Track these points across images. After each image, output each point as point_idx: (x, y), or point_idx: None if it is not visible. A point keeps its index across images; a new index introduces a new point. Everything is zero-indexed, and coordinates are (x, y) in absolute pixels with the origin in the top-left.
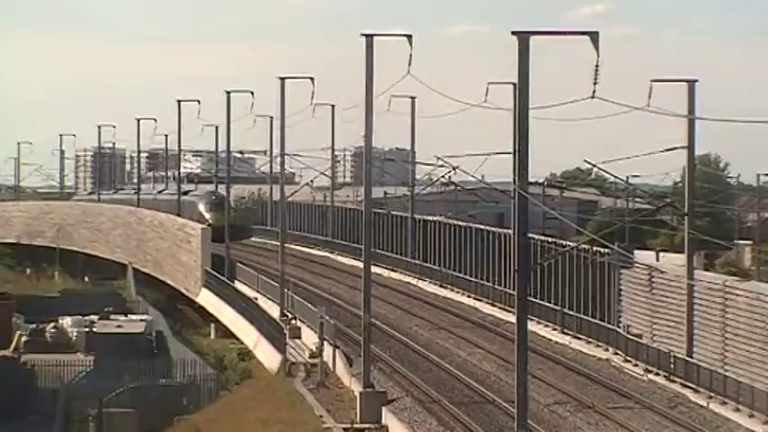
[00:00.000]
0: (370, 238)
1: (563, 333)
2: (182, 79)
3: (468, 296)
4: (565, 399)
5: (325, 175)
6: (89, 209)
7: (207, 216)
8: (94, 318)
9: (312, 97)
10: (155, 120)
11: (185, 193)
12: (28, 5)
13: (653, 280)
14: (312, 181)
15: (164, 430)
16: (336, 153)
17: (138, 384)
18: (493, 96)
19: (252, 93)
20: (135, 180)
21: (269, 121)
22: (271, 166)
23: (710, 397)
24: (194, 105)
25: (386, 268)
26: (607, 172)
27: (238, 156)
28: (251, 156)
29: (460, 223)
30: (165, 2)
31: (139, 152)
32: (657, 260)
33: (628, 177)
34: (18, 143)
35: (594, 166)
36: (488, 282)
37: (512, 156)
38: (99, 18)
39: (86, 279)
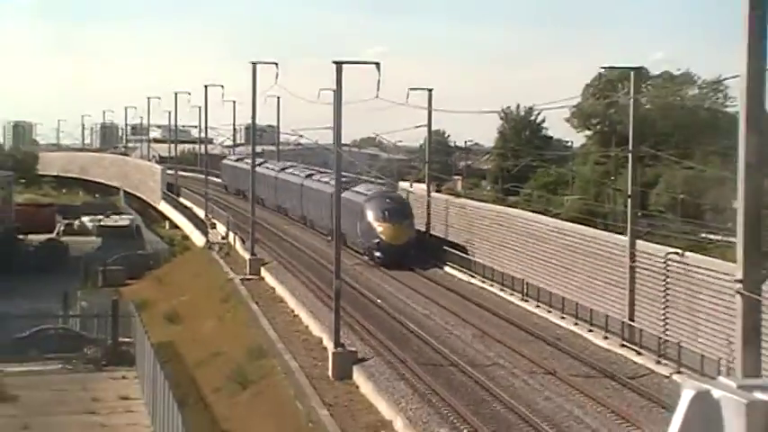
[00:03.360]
0: None
1: None
2: None
3: None
4: None
5: None
6: (100, 158)
7: (379, 229)
8: (101, 216)
9: None
10: None
11: (344, 186)
12: None
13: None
14: None
15: (139, 278)
16: None
17: (125, 254)
18: None
19: None
20: None
21: None
22: None
23: None
24: None
25: None
26: (386, 140)
27: None
28: None
29: None
30: None
31: None
32: (411, 187)
33: (396, 142)
34: None
35: (378, 135)
36: None
37: None
38: None
39: (97, 196)
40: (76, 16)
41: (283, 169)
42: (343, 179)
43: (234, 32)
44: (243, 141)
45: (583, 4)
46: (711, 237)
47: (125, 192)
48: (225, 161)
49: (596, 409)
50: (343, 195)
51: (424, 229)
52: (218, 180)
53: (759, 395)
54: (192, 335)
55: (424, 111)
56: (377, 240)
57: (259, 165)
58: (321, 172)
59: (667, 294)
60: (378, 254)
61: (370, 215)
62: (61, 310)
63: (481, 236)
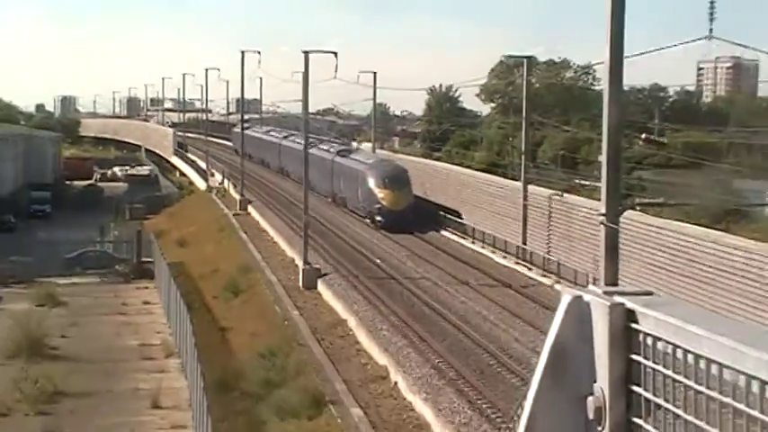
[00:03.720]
0: None
1: None
2: None
3: None
4: None
5: None
6: (127, 123)
7: (380, 195)
8: (128, 167)
9: None
10: None
11: (343, 153)
12: None
13: None
14: None
15: (157, 214)
16: None
17: (146, 195)
18: None
19: None
20: None
21: None
22: None
23: None
24: None
25: None
26: (341, 110)
27: None
28: None
29: None
30: None
31: None
32: (361, 145)
33: (349, 112)
34: None
35: (335, 106)
36: None
37: None
38: None
39: (125, 151)
40: (107, 12)
41: (286, 137)
42: (345, 147)
43: (229, 26)
44: (234, 111)
45: (491, 6)
46: (583, 182)
47: (146, 149)
48: (236, 129)
49: (497, 309)
50: (344, 163)
51: None
52: (222, 143)
53: (618, 299)
54: (196, 256)
55: (370, 88)
56: (378, 206)
57: (266, 132)
58: (320, 140)
59: (550, 225)
60: (379, 218)
61: (372, 182)
62: (98, 237)
63: (414, 182)
